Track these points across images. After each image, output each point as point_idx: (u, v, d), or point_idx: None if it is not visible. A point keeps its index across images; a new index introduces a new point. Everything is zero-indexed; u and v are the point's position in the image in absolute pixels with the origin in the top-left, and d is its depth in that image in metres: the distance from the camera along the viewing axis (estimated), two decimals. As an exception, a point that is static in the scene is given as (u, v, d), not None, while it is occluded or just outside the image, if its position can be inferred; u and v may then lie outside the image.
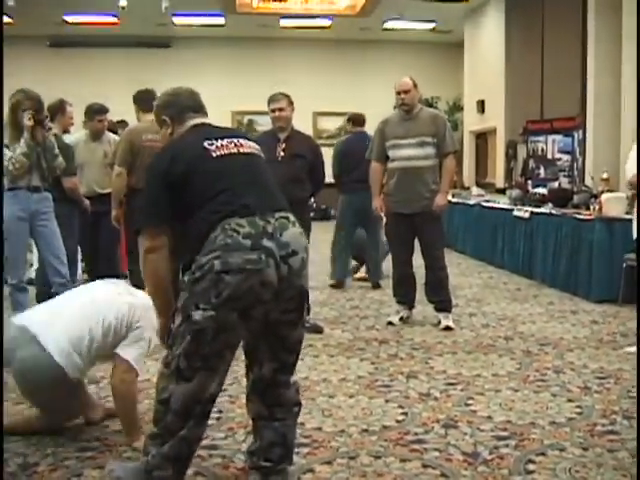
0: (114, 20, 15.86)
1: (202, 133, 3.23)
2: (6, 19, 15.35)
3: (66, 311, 3.78)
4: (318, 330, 6.24)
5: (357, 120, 8.86)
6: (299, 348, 3.27)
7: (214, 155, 3.11)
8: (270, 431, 3.23)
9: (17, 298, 5.75)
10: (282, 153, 6.16)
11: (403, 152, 6.44)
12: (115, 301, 3.76)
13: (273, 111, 6.30)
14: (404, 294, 6.74)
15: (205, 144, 3.14)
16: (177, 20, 16.02)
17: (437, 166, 6.51)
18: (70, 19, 15.73)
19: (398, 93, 6.46)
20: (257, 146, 3.34)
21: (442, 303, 6.60)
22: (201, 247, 2.95)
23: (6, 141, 5.61)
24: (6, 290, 5.77)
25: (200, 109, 3.39)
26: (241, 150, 3.19)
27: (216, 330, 2.92)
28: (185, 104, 3.36)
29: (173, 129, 3.33)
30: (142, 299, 3.71)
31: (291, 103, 6.32)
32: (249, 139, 3.34)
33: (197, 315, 2.91)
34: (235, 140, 3.22)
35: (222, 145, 3.16)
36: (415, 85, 6.49)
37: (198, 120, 3.32)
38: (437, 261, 6.58)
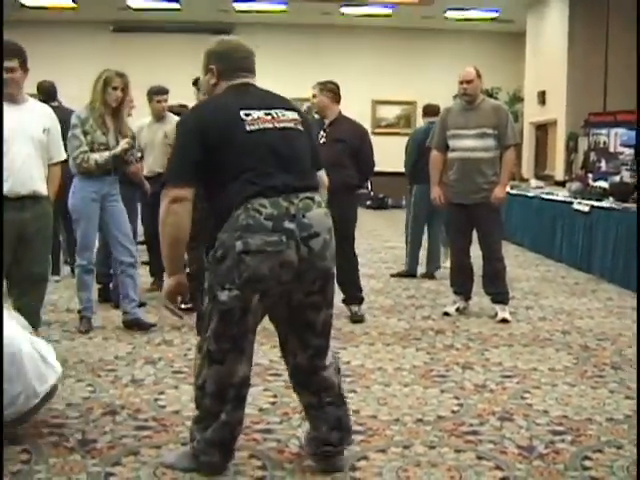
0: (176, 6, 15.99)
1: (242, 98, 3.13)
2: (70, 4, 15.60)
3: None
4: (358, 320, 6.24)
5: (430, 110, 8.82)
6: (328, 330, 3.28)
7: (248, 129, 3.04)
8: (324, 417, 3.26)
9: (84, 279, 5.82)
10: (324, 139, 6.19)
11: (463, 142, 6.40)
12: None
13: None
14: (461, 284, 6.70)
15: (242, 114, 3.05)
16: (238, 6, 16.07)
17: (497, 158, 6.45)
18: (134, 4, 15.88)
19: (461, 83, 6.41)
20: (297, 116, 3.23)
21: (499, 295, 6.55)
22: (222, 224, 2.96)
23: (84, 115, 5.67)
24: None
25: (251, 72, 3.27)
26: (277, 125, 3.10)
27: (242, 310, 2.98)
28: (238, 64, 3.23)
29: (217, 82, 3.22)
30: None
31: (329, 90, 6.33)
32: (291, 108, 3.24)
33: (223, 295, 2.95)
34: (273, 112, 3.13)
35: (258, 118, 3.07)
36: (479, 75, 6.42)
37: (246, 80, 3.22)
38: (494, 253, 6.53)
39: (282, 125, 3.12)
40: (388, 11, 16.20)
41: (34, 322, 4.91)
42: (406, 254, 8.65)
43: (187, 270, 6.93)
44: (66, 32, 17.36)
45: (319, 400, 3.25)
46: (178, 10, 16.33)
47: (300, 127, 3.20)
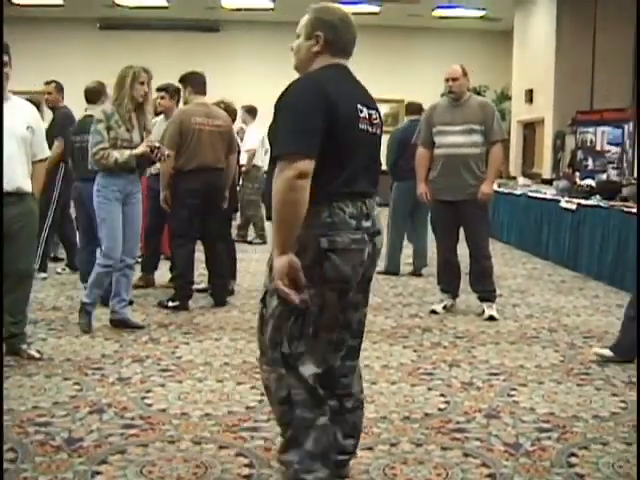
0: (164, 3, 15.94)
1: (355, 88, 2.95)
2: (57, 1, 15.53)
3: None
4: None
5: (413, 108, 8.84)
6: (362, 330, 3.14)
7: (359, 127, 2.85)
8: (341, 425, 3.06)
9: (103, 279, 5.71)
10: None
11: (449, 139, 6.41)
12: None
13: None
14: (448, 282, 6.71)
15: (358, 108, 2.86)
16: (226, 3, 16.04)
17: (484, 154, 6.46)
18: (121, 2, 15.82)
19: (447, 80, 6.42)
20: (379, 118, 3.03)
21: (486, 293, 6.56)
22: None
23: (109, 110, 5.64)
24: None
25: (351, 53, 3.02)
26: (370, 129, 2.92)
27: (320, 309, 2.79)
28: (348, 41, 2.98)
29: (321, 52, 2.93)
30: None
31: None
32: (377, 110, 3.03)
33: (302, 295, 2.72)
34: (369, 112, 2.92)
35: (366, 117, 2.89)
36: (465, 73, 6.44)
37: (344, 61, 2.98)
38: (481, 250, 6.54)
39: (373, 130, 2.95)
40: (375, 9, 16.20)
41: (20, 320, 4.91)
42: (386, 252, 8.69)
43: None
44: (53, 29, 17.30)
45: (340, 405, 3.05)
46: (166, 8, 16.29)
47: (379, 131, 3.02)
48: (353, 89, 2.94)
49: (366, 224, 2.85)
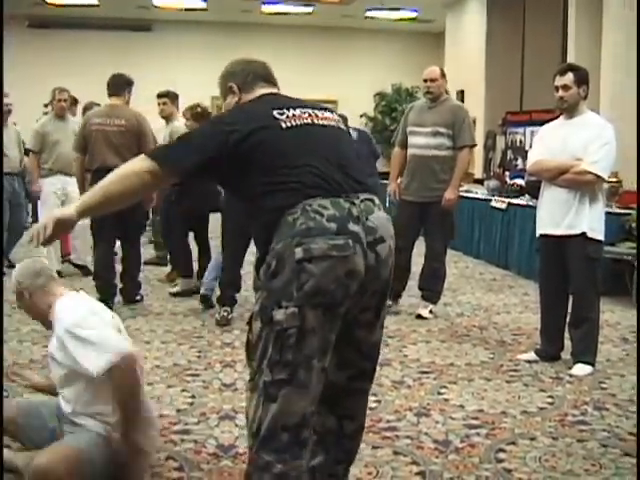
0: (95, 2, 15.71)
1: (271, 102, 2.78)
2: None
3: None
4: None
5: None
6: (376, 353, 2.82)
7: (284, 126, 2.64)
8: (338, 448, 2.83)
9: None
10: None
11: (418, 140, 6.46)
12: None
13: None
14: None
15: (275, 113, 2.67)
16: (158, 2, 15.88)
17: (451, 158, 6.42)
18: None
19: (425, 81, 6.49)
20: (337, 117, 2.87)
21: (429, 293, 6.64)
22: (272, 236, 2.52)
23: None
24: None
25: (271, 80, 2.96)
26: (316, 121, 2.73)
27: (301, 331, 2.44)
28: (256, 72, 2.93)
29: (240, 98, 2.89)
30: None
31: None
32: (328, 110, 2.87)
33: (279, 314, 2.44)
34: (310, 110, 2.76)
35: (294, 115, 2.69)
36: (443, 75, 6.52)
37: (268, 90, 2.90)
38: (433, 252, 6.62)
39: (323, 122, 2.75)
40: (308, 10, 16.22)
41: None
42: None
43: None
44: (-21, 27, 16.93)
45: (340, 427, 2.79)
46: (97, 6, 16.06)
47: (342, 126, 2.85)
48: (270, 104, 2.76)
49: (354, 228, 2.49)
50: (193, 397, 4.29)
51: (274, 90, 2.92)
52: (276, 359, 2.46)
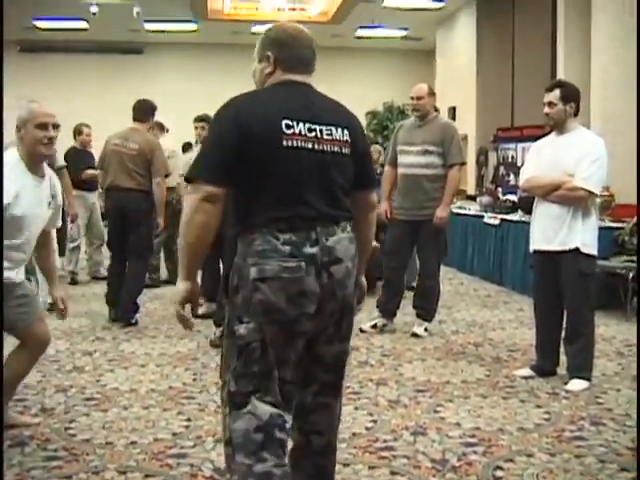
0: (85, 26, 15.78)
1: (288, 103, 2.72)
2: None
3: None
4: None
5: None
6: (340, 366, 2.88)
7: (284, 144, 2.63)
8: (308, 464, 2.87)
9: None
10: None
11: (407, 159, 6.46)
12: None
13: None
14: (385, 301, 6.71)
15: (283, 125, 2.64)
16: (149, 26, 15.95)
17: (442, 176, 6.40)
18: (40, 24, 15.62)
19: (412, 98, 6.49)
20: (346, 135, 2.78)
21: (422, 310, 6.61)
22: (236, 251, 2.65)
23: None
24: None
25: (309, 66, 2.86)
26: (317, 146, 2.69)
27: (262, 344, 2.60)
28: (299, 53, 2.84)
29: (274, 71, 2.82)
30: None
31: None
32: (342, 125, 2.80)
33: (241, 329, 2.61)
34: (319, 129, 2.71)
35: (300, 133, 2.66)
36: (431, 93, 6.53)
37: (300, 78, 2.82)
38: (427, 271, 6.63)
39: (323, 147, 2.71)
40: (301, 26, 16.29)
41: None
42: None
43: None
44: (-30, 53, 16.97)
45: (307, 443, 2.85)
46: (86, 30, 16.12)
47: (345, 150, 2.78)
48: (286, 105, 2.71)
49: (309, 250, 2.58)
50: (189, 420, 4.26)
51: (306, 80, 2.83)
52: (242, 372, 2.61)
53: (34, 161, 3.82)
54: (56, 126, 3.83)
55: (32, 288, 4.14)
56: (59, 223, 4.25)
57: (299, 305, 2.59)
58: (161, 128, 8.76)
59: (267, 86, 2.83)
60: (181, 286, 2.67)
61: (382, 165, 7.89)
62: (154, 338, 6.35)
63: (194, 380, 5.11)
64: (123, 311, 6.85)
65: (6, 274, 3.70)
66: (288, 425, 2.69)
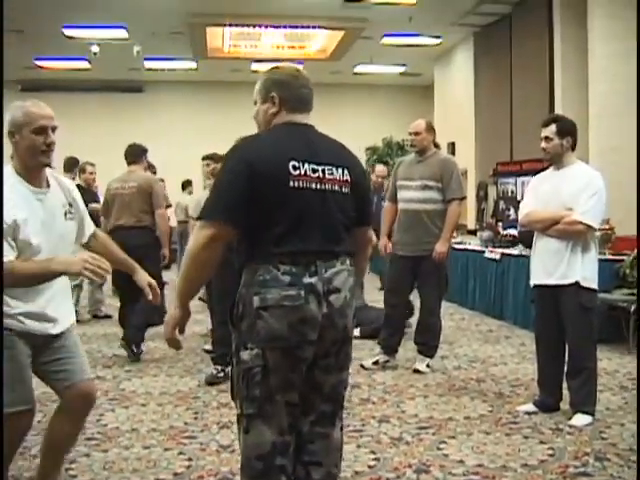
0: (86, 65, 15.91)
1: (293, 145, 2.84)
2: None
3: None
4: None
5: None
6: (337, 396, 2.98)
7: (291, 185, 2.76)
8: None
9: None
10: None
11: (407, 194, 6.48)
12: None
13: None
14: (385, 337, 6.70)
15: (290, 166, 2.77)
16: (149, 64, 16.08)
17: (441, 211, 6.41)
18: (41, 64, 15.75)
19: (410, 134, 6.53)
20: (347, 175, 2.91)
21: (424, 347, 6.59)
22: (240, 280, 2.81)
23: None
24: None
25: (309, 104, 3.00)
26: (319, 186, 2.82)
27: (264, 370, 2.74)
28: (299, 93, 2.96)
29: (279, 111, 2.93)
30: None
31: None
32: (342, 165, 2.92)
33: (245, 355, 2.76)
34: (321, 169, 2.84)
35: (305, 174, 2.79)
36: (430, 129, 6.56)
37: (300, 119, 2.95)
38: (427, 307, 6.59)
39: (325, 187, 2.83)
40: (298, 67, 16.42)
41: None
42: None
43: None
44: (-28, 93, 17.08)
45: (307, 475, 2.90)
46: (88, 70, 16.26)
47: (346, 189, 2.91)
48: (291, 147, 2.83)
49: (309, 280, 2.72)
50: (190, 460, 4.23)
51: (307, 119, 2.97)
52: (244, 395, 2.78)
53: (33, 173, 3.28)
54: (55, 128, 3.35)
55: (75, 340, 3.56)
56: (91, 228, 3.70)
57: (300, 332, 2.73)
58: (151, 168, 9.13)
59: (272, 128, 2.95)
60: (176, 312, 2.85)
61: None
62: (155, 377, 6.32)
63: (195, 419, 5.07)
64: (126, 341, 6.98)
65: (39, 326, 3.32)
66: (292, 448, 2.84)
